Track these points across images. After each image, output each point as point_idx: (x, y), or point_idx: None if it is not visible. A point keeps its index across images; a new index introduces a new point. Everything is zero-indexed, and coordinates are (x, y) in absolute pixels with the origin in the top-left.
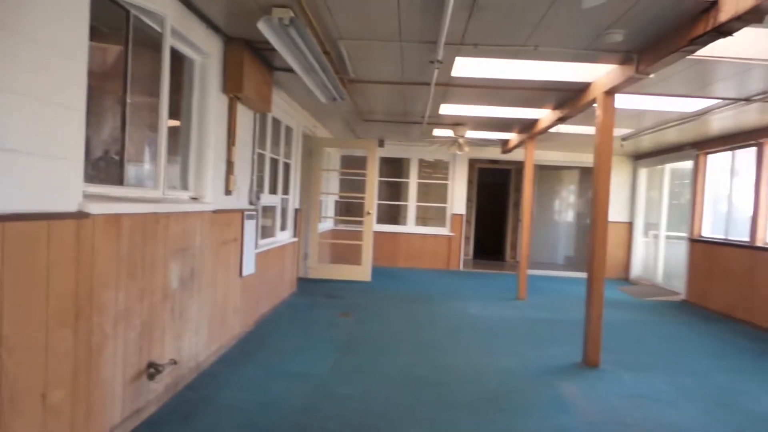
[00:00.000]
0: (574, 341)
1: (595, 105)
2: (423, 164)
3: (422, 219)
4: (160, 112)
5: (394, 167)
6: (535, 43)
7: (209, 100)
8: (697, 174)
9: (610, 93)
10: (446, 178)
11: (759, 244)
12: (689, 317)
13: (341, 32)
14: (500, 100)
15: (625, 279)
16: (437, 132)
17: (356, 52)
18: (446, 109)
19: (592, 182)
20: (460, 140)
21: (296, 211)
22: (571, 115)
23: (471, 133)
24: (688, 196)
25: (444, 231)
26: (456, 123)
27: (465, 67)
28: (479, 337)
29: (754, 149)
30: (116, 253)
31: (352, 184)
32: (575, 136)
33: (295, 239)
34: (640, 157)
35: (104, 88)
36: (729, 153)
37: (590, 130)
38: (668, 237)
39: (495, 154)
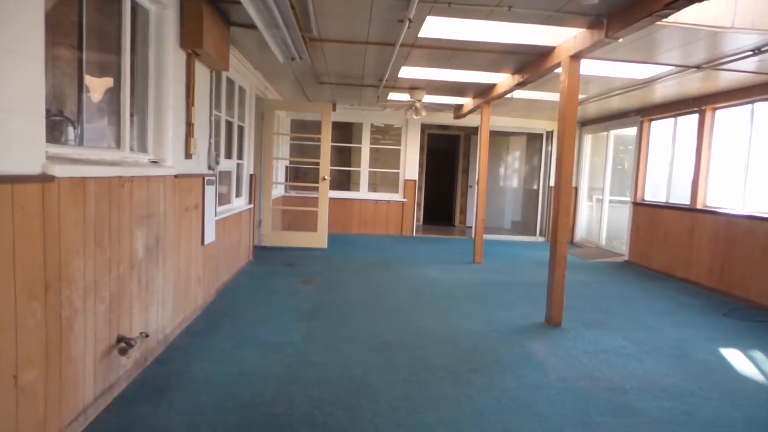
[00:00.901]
0: (533, 302)
1: (557, 70)
2: (372, 129)
3: (372, 185)
4: (122, 67)
5: (343, 132)
6: (510, 3)
7: (167, 56)
8: (640, 140)
9: (576, 57)
10: (395, 144)
11: (699, 206)
12: (634, 276)
13: None
14: (461, 63)
15: (570, 242)
16: (392, 96)
17: (323, 8)
18: (406, 72)
19: (557, 148)
20: (418, 104)
21: (251, 176)
22: (532, 80)
23: (426, 98)
24: (630, 161)
25: (397, 197)
26: (413, 87)
27: (433, 27)
28: (443, 301)
29: (696, 116)
30: (83, 219)
31: (302, 149)
32: (525, 102)
33: (251, 206)
34: (585, 124)
35: (56, 40)
36: (672, 119)
37: (541, 95)
38: (611, 201)
39: (445, 119)
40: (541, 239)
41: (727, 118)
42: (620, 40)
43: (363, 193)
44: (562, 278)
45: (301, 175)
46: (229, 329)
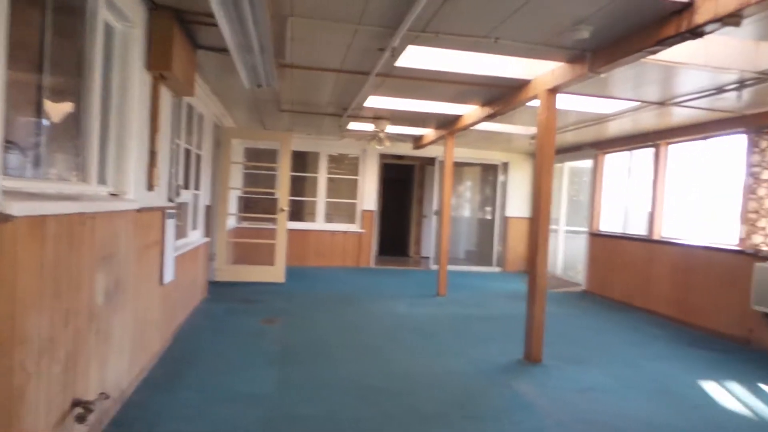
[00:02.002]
0: (508, 336)
1: (529, 103)
2: (328, 158)
3: (328, 215)
4: (89, 90)
5: (297, 161)
6: (498, 35)
7: (132, 78)
8: (596, 172)
9: (554, 91)
10: (350, 174)
11: (656, 237)
12: (595, 306)
13: (294, 8)
14: (430, 93)
15: (526, 272)
16: (354, 125)
17: (302, 33)
18: (372, 102)
19: (534, 180)
20: (381, 135)
21: (207, 207)
22: (502, 112)
23: (388, 128)
24: (585, 193)
25: (354, 228)
26: (376, 117)
27: (412, 57)
28: (417, 338)
29: (651, 150)
30: (40, 265)
31: (255, 178)
32: (485, 133)
33: (207, 239)
34: None
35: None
36: (627, 153)
37: (500, 127)
38: (567, 231)
39: (402, 149)
40: (497, 269)
41: (681, 152)
42: (603, 75)
43: (319, 223)
44: (541, 313)
45: (251, 205)
46: (192, 379)
